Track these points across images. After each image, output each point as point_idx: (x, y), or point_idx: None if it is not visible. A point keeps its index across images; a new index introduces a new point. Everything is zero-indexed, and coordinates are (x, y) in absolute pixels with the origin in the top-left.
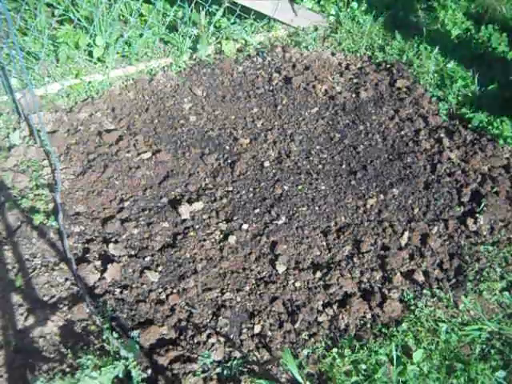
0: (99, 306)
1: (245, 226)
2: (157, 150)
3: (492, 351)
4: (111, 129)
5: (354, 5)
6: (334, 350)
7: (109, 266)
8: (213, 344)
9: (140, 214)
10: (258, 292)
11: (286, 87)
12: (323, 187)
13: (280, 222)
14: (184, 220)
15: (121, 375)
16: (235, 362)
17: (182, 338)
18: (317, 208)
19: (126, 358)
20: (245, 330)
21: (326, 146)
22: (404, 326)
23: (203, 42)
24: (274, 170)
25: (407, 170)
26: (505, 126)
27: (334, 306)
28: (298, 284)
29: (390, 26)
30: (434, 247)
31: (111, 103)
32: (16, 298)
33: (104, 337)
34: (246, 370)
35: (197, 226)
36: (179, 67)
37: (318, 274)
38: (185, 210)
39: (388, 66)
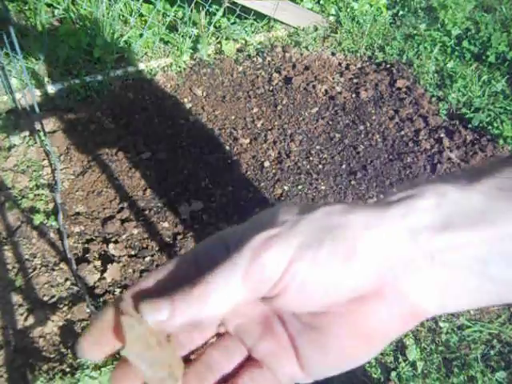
0: (99, 306)
1: None
2: (156, 149)
3: (492, 352)
4: (111, 129)
5: (354, 5)
6: None
7: (109, 266)
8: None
9: (140, 214)
10: None
11: (285, 87)
12: (323, 187)
13: None
14: (184, 220)
15: None
16: None
17: None
18: None
19: None
20: None
21: (326, 145)
22: None
23: (203, 42)
24: (273, 170)
25: (407, 170)
26: (505, 126)
27: None
28: None
29: (389, 26)
30: None
31: (111, 103)
32: (16, 298)
33: None
34: None
35: (197, 226)
36: (179, 67)
37: None
38: (185, 210)
39: (388, 66)
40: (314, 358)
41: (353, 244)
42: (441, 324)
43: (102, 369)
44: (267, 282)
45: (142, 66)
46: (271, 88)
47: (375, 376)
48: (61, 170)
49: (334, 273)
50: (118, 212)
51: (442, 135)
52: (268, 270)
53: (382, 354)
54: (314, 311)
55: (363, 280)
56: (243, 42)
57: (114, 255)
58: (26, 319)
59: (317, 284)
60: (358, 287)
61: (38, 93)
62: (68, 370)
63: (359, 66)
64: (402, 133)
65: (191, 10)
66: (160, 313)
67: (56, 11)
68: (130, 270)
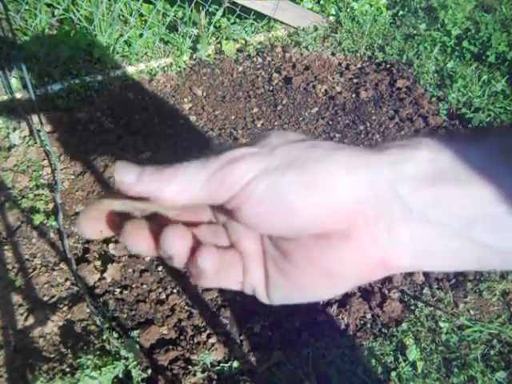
0: (99, 306)
1: None
2: (156, 149)
3: (492, 352)
4: (111, 128)
5: (354, 5)
6: (334, 349)
7: (109, 266)
8: (213, 344)
9: None
10: None
11: (285, 87)
12: None
13: None
14: None
15: (121, 375)
16: (235, 362)
17: (182, 338)
18: None
19: (126, 358)
20: (245, 330)
21: None
22: (404, 325)
23: (203, 41)
24: None
25: None
26: None
27: (334, 306)
28: None
29: (389, 26)
30: None
31: (111, 103)
32: (16, 298)
33: (104, 337)
34: (246, 369)
35: None
36: (179, 67)
37: None
38: None
39: (388, 66)
40: (277, 281)
41: (320, 176)
42: (441, 324)
43: (102, 369)
44: (226, 191)
45: (141, 66)
46: (271, 88)
47: (375, 376)
48: (61, 170)
49: (293, 197)
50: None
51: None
52: (230, 180)
53: (382, 354)
54: (280, 235)
55: (325, 214)
56: (243, 42)
57: (113, 255)
58: (26, 319)
59: (274, 204)
60: (318, 220)
61: (37, 93)
62: (68, 370)
63: (359, 66)
64: (402, 133)
65: (191, 10)
66: (127, 176)
67: (56, 11)
68: (130, 270)
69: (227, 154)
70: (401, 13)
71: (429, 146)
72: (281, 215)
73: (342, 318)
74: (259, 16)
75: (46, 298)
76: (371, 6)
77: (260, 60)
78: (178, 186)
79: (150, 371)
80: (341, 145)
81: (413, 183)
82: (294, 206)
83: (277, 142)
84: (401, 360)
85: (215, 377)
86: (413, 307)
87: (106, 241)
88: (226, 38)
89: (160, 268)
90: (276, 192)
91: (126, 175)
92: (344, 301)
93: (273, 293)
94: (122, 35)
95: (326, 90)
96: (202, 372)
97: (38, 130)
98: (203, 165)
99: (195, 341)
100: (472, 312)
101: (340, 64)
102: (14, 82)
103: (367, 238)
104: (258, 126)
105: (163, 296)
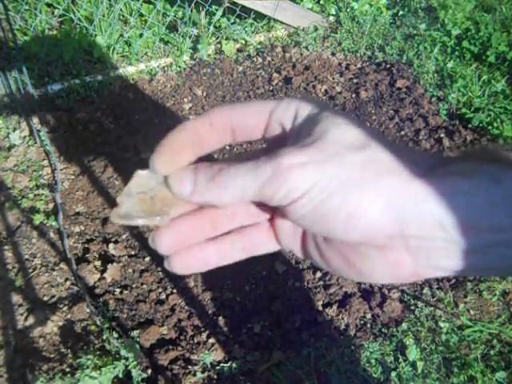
0: (99, 306)
1: None
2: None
3: (492, 352)
4: (111, 129)
5: (354, 5)
6: (334, 349)
7: (109, 266)
8: (213, 344)
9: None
10: (258, 292)
11: (285, 87)
12: None
13: None
14: None
15: (121, 375)
16: (235, 362)
17: (182, 338)
18: None
19: (126, 358)
20: (245, 330)
21: None
22: (404, 325)
23: (203, 42)
24: None
25: None
26: (505, 126)
27: (334, 306)
28: (297, 284)
29: (389, 26)
30: None
31: (111, 103)
32: (16, 298)
33: (104, 337)
34: (246, 369)
35: None
36: (179, 67)
37: (318, 274)
38: None
39: (388, 66)
40: (313, 256)
41: (360, 210)
42: (441, 324)
43: (102, 369)
44: (276, 202)
45: (141, 66)
46: (271, 88)
47: (375, 376)
48: (61, 170)
49: (334, 226)
50: None
51: (442, 135)
52: (281, 193)
53: (381, 354)
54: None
55: (364, 240)
56: (243, 42)
57: (114, 255)
58: (26, 319)
59: (316, 225)
60: (356, 242)
61: (37, 93)
62: (68, 369)
63: (359, 66)
64: (402, 133)
65: (191, 10)
66: (184, 189)
67: (56, 11)
68: (130, 270)
69: (278, 161)
70: (401, 13)
71: (490, 180)
72: (321, 232)
73: (342, 318)
74: (259, 16)
75: (46, 298)
76: (371, 6)
77: (260, 60)
78: (232, 197)
79: (150, 371)
80: (399, 161)
81: (459, 219)
82: (336, 233)
83: (333, 148)
84: (401, 360)
85: (215, 377)
86: (413, 307)
87: (106, 241)
88: (226, 38)
89: (160, 268)
90: (321, 215)
91: (182, 187)
92: (344, 301)
93: (308, 255)
94: (121, 35)
95: (325, 90)
96: (202, 372)
97: (38, 130)
98: (255, 172)
99: (195, 341)
100: (472, 312)
101: (340, 64)
102: (14, 82)
103: (404, 260)
104: None
105: (163, 296)
